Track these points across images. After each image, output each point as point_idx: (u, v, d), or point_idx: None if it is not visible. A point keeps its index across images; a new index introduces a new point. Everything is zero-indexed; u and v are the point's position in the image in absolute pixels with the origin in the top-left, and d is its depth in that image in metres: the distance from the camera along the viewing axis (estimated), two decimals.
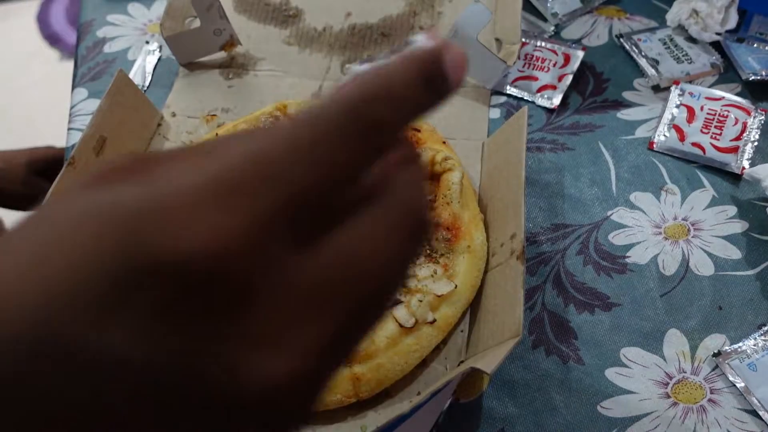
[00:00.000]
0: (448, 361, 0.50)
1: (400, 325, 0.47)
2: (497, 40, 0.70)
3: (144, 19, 0.77)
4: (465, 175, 0.55)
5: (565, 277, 0.55)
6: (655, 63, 0.68)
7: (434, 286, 0.48)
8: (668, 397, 0.49)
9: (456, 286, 0.48)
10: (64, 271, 0.15)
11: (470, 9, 0.61)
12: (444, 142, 0.59)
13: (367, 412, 0.49)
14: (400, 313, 0.48)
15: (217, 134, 0.57)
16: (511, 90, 0.68)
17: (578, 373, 0.50)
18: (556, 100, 0.66)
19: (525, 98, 0.67)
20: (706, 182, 0.60)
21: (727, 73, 0.67)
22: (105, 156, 0.57)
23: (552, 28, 0.73)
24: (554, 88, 0.67)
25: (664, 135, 0.63)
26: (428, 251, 0.51)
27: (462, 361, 0.50)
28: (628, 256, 0.56)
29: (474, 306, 0.52)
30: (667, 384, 0.49)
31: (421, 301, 0.48)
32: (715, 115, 0.63)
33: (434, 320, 0.48)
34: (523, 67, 0.69)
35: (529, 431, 0.48)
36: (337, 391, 0.47)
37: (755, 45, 0.68)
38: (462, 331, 0.51)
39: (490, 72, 0.66)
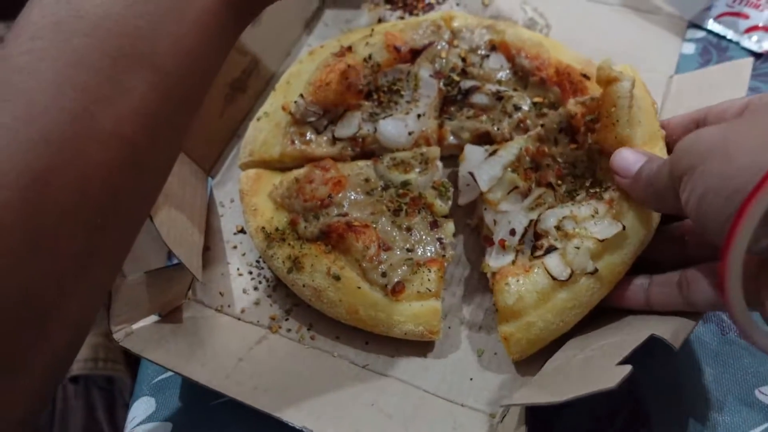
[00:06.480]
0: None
1: (553, 278, 0.39)
2: None
3: None
4: (639, 83, 0.42)
5: None
6: None
7: (595, 228, 0.40)
8: None
9: (623, 228, 0.39)
10: None
11: None
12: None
13: None
14: (553, 262, 0.40)
15: (372, 29, 0.53)
16: (712, 26, 0.57)
17: (739, 348, 0.43)
18: (767, 45, 0.55)
19: (728, 38, 0.57)
20: None
21: None
22: None
23: None
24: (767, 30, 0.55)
25: None
26: (588, 184, 0.43)
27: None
28: None
29: None
30: None
31: (578, 248, 0.39)
32: None
33: (595, 270, 0.39)
34: (733, 2, 0.57)
35: (665, 401, 0.41)
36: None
37: None
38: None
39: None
